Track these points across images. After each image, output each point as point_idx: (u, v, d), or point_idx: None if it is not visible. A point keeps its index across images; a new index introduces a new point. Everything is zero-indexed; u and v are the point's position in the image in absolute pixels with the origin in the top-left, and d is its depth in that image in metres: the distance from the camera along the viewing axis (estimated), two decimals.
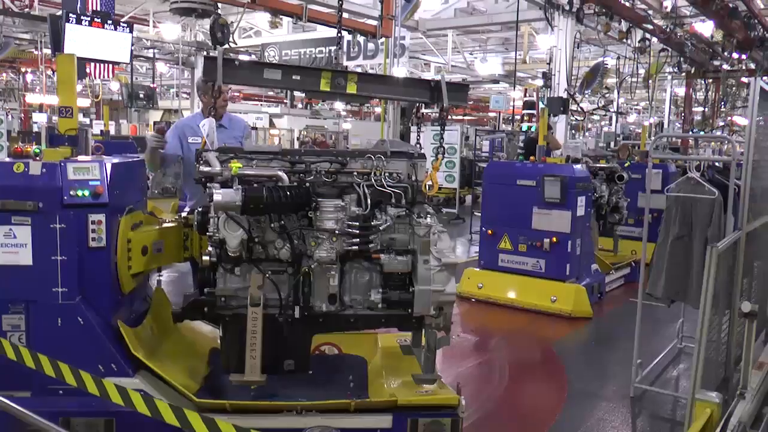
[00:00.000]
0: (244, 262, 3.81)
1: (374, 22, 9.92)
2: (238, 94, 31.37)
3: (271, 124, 27.80)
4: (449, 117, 28.61)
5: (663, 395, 5.14)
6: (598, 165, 8.96)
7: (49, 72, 20.39)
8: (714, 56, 13.51)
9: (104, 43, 14.11)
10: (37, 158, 3.84)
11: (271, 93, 32.08)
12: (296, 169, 3.82)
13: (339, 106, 36.47)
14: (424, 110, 4.32)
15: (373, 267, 3.92)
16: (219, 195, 3.47)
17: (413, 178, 3.97)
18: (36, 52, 20.69)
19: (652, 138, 12.32)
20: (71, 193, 3.72)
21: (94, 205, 3.77)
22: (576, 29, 11.67)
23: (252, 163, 3.82)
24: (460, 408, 3.81)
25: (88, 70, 17.07)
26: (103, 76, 18.04)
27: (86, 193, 3.74)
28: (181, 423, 2.92)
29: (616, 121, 21.58)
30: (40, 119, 21.85)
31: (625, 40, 11.70)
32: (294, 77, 4.02)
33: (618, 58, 14.94)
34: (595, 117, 30.84)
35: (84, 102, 30.21)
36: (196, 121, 4.93)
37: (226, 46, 6.32)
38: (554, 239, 7.62)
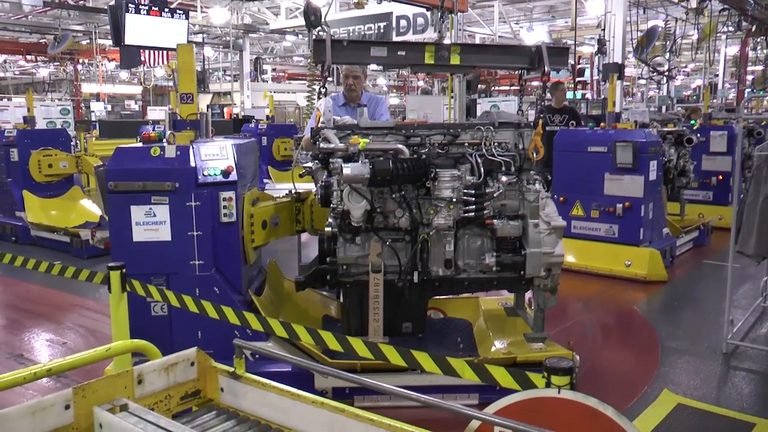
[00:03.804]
0: (364, 232, 4.06)
1: None
2: (283, 74, 31.73)
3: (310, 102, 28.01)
4: (494, 89, 28.19)
5: (756, 350, 5.26)
6: (666, 129, 8.96)
7: (105, 62, 21.02)
8: None
9: (162, 30, 14.54)
10: (170, 142, 4.13)
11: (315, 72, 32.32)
12: (410, 142, 4.03)
13: (381, 81, 36.56)
14: (526, 78, 4.46)
15: (484, 232, 4.14)
16: (348, 169, 3.69)
17: (520, 146, 4.14)
18: (85, 43, 21.31)
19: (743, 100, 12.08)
20: (204, 173, 4.01)
21: (224, 183, 4.06)
22: None
23: (368, 138, 4.04)
24: (574, 363, 4.00)
25: (143, 58, 17.55)
26: (158, 63, 18.49)
27: (217, 172, 4.03)
28: (304, 338, 3.15)
29: (667, 84, 21.25)
30: (97, 108, 22.48)
31: (683, 4, 11.56)
32: (399, 53, 4.23)
33: (673, 20, 14.73)
34: (642, 81, 30.31)
35: (136, 89, 30.96)
36: (338, 102, 5.26)
37: (319, 28, 6.53)
38: (627, 204, 7.70)
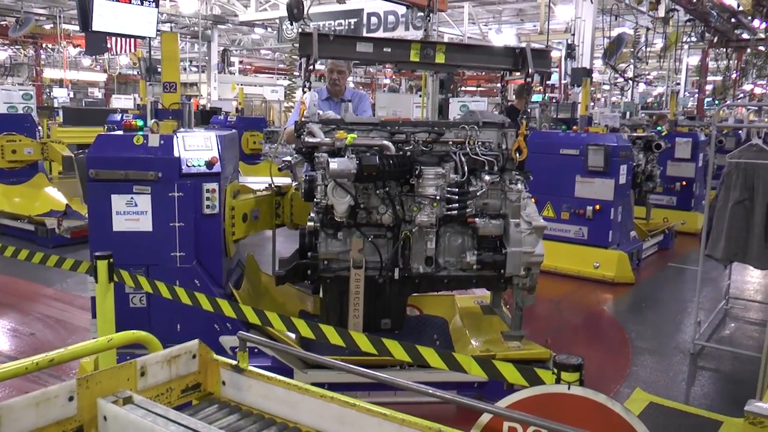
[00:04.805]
0: (345, 227, 4.05)
1: None
2: (250, 66, 31.43)
3: (287, 97, 27.81)
4: (461, 89, 28.29)
5: (721, 351, 5.41)
6: (635, 134, 9.13)
7: (70, 47, 20.52)
8: (737, 26, 13.60)
9: (131, 17, 14.18)
10: (154, 131, 4.06)
11: (281, 66, 32.08)
12: (395, 139, 4.04)
13: (349, 78, 36.43)
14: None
15: (466, 231, 4.17)
16: (335, 163, 3.68)
17: (503, 146, 4.19)
18: (49, 27, 20.80)
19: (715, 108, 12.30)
20: (188, 163, 3.96)
21: (208, 175, 4.02)
22: None
23: (354, 133, 4.03)
24: (551, 362, 4.07)
25: (109, 45, 17.21)
26: (125, 51, 18.17)
27: (201, 163, 3.98)
28: (303, 332, 3.10)
29: (631, 91, 21.64)
30: (60, 94, 21.95)
31: (653, 12, 11.79)
32: (385, 49, 4.22)
33: (639, 28, 15.02)
34: (606, 87, 30.81)
35: (99, 77, 30.33)
36: (322, 96, 5.14)
37: (302, 21, 6.50)
38: (597, 207, 7.84)
